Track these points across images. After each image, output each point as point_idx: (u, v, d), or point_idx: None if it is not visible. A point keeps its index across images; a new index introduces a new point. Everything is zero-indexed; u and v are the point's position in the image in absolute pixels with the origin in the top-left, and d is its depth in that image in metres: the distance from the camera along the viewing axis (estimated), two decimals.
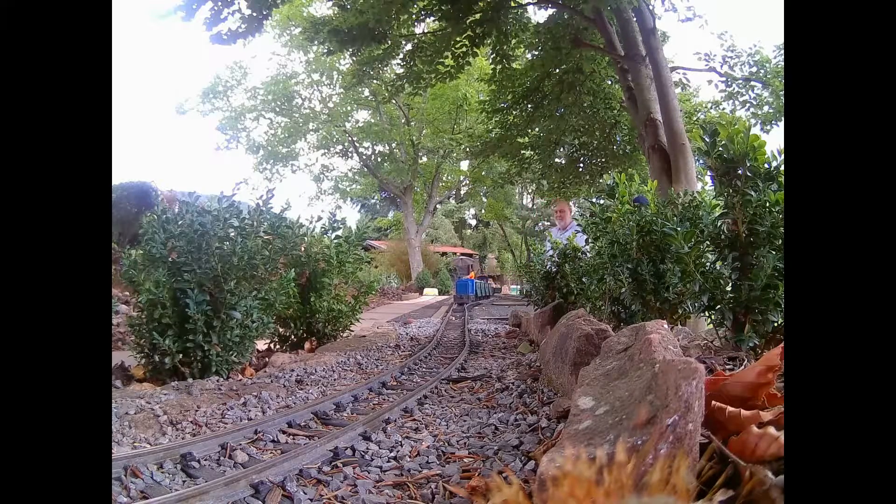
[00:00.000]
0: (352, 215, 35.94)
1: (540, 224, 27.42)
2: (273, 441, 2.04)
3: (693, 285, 2.27)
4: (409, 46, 7.49)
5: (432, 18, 7.36)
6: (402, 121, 20.03)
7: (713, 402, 1.02)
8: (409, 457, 1.81)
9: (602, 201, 3.15)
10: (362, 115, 21.67)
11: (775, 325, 1.94)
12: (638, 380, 1.12)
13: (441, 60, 7.18)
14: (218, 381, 3.06)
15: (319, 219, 5.07)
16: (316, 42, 7.56)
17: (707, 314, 2.25)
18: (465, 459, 1.72)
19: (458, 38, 6.86)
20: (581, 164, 10.11)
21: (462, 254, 25.63)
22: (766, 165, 1.92)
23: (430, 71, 7.41)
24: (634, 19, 6.58)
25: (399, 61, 7.92)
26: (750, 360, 1.63)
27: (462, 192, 29.40)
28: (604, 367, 1.40)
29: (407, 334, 6.13)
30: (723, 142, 1.97)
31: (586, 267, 3.58)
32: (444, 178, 23.05)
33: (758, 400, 1.09)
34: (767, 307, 1.91)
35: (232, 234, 3.37)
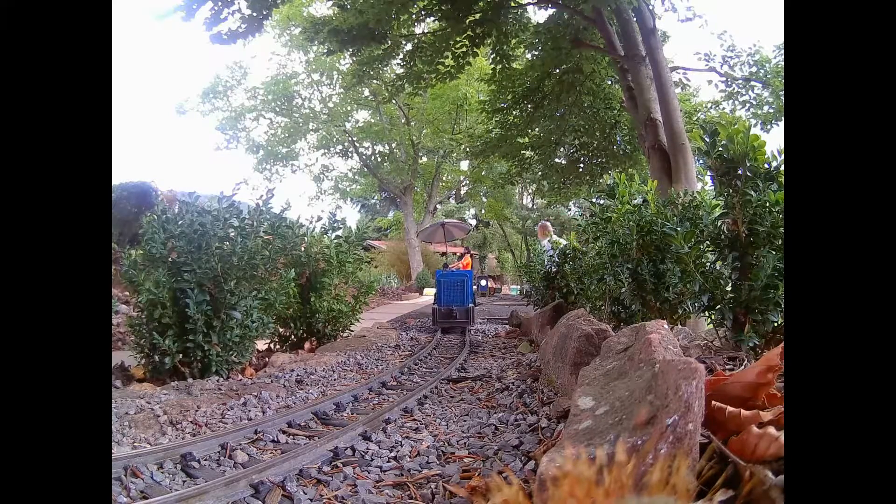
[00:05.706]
0: (352, 215, 35.90)
1: (540, 224, 27.29)
2: (273, 441, 2.04)
3: (693, 285, 2.27)
4: (409, 46, 7.49)
5: (432, 18, 7.36)
6: (402, 121, 20.02)
7: (713, 402, 1.02)
8: (409, 457, 1.81)
9: (602, 201, 3.15)
10: (362, 115, 21.65)
11: (775, 325, 1.94)
12: (638, 380, 1.12)
13: (441, 60, 7.18)
14: (218, 381, 3.06)
15: (319, 219, 5.08)
16: (316, 42, 7.57)
17: (707, 314, 2.25)
18: (465, 459, 1.72)
19: (458, 38, 6.86)
20: (581, 165, 10.10)
21: (445, 223, 11.12)
22: (766, 165, 1.92)
23: (430, 71, 7.42)
24: (634, 19, 6.58)
25: (399, 61, 7.93)
26: (750, 360, 1.63)
27: (462, 192, 29.36)
28: (604, 367, 1.40)
29: (407, 334, 6.13)
30: (723, 142, 1.97)
31: (586, 267, 3.58)
32: (444, 178, 23.01)
33: (758, 400, 1.09)
34: (767, 307, 1.91)
35: (232, 234, 3.37)
